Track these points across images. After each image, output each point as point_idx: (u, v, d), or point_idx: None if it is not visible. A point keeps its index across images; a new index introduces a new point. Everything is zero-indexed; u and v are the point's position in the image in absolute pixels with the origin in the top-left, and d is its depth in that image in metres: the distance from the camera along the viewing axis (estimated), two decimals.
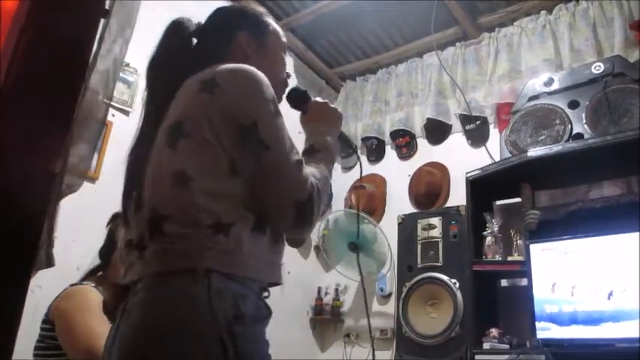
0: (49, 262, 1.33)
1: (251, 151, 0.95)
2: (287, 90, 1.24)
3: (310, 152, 1.10)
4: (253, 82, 1.00)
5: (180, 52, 1.12)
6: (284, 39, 1.25)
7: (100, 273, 1.63)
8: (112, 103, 1.57)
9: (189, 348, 0.84)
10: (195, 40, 1.17)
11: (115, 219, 1.62)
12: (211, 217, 0.91)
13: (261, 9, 1.28)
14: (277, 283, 1.01)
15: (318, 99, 1.22)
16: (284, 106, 1.18)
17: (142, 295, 0.90)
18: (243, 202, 0.95)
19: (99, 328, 1.43)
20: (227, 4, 1.24)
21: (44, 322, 1.53)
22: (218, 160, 0.95)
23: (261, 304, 0.97)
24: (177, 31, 1.14)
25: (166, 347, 0.84)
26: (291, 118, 1.21)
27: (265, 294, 1.00)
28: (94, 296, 1.52)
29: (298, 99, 1.24)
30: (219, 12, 1.22)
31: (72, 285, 1.57)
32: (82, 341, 1.41)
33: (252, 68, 1.01)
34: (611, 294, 2.12)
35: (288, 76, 1.25)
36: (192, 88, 1.00)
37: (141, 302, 0.90)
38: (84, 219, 2.05)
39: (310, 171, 1.00)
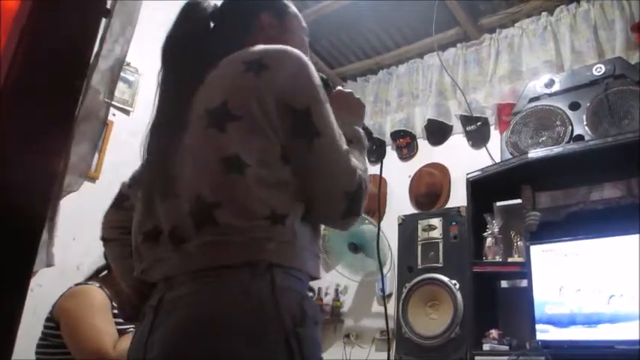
0: (50, 262, 1.33)
1: (303, 138, 0.89)
2: None
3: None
4: (303, 65, 0.94)
5: (199, 34, 1.06)
6: (304, 23, 1.21)
7: (104, 273, 1.64)
8: (112, 102, 1.57)
9: (253, 347, 0.78)
10: (212, 22, 1.11)
11: None
12: (267, 207, 0.85)
13: None
14: (317, 277, 0.95)
15: (341, 87, 1.17)
16: None
17: (192, 289, 0.83)
18: (294, 191, 0.90)
19: (105, 327, 1.43)
20: None
21: (48, 320, 1.53)
22: (271, 147, 0.89)
23: (317, 305, 0.94)
24: (194, 11, 1.08)
25: (226, 346, 0.78)
26: None
27: (311, 294, 0.97)
28: (98, 296, 1.52)
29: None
30: None
31: (77, 284, 1.57)
32: (91, 341, 1.41)
33: (298, 50, 0.96)
34: (611, 296, 2.12)
35: None
36: (234, 69, 0.93)
37: (192, 295, 0.82)
38: (84, 218, 2.05)
39: (355, 162, 0.94)
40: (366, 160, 1.04)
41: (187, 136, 0.93)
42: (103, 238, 1.15)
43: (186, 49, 1.04)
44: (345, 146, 0.93)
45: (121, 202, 1.15)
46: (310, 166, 0.90)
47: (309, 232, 0.93)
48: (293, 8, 1.18)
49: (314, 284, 3.55)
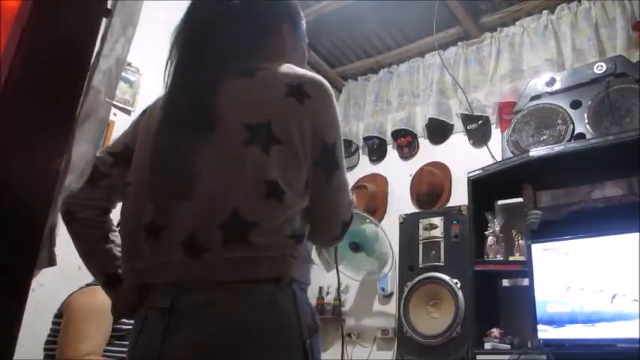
0: (51, 262, 1.33)
1: (325, 169, 0.97)
2: None
3: None
4: (334, 99, 1.01)
5: (219, 20, 1.02)
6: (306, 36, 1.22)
7: None
8: (113, 102, 1.57)
9: (279, 353, 0.85)
10: (232, 12, 1.05)
11: None
12: (292, 229, 0.91)
13: None
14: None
15: None
16: None
17: (220, 297, 0.85)
18: (307, 214, 0.97)
19: (92, 334, 1.43)
20: None
21: (56, 316, 1.54)
22: (301, 175, 0.95)
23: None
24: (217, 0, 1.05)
25: (255, 352, 0.84)
26: None
27: None
28: (106, 300, 1.52)
29: None
30: None
31: (88, 285, 1.57)
32: (69, 346, 1.41)
33: (327, 82, 1.02)
34: (612, 294, 2.12)
35: None
36: (275, 90, 0.95)
37: (223, 305, 0.85)
38: None
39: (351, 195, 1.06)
40: None
41: (217, 142, 0.91)
42: (71, 216, 1.05)
43: (205, 37, 1.01)
44: (347, 178, 1.03)
45: (97, 179, 1.05)
46: (324, 195, 0.98)
47: (309, 246, 1.01)
48: (304, 23, 1.20)
49: (315, 283, 3.55)
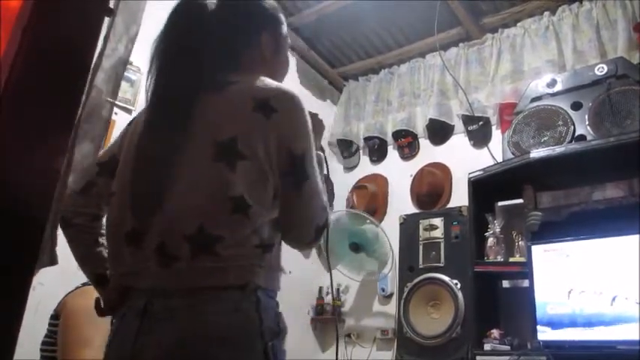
0: (53, 261, 1.33)
1: (296, 180, 0.99)
2: None
3: None
4: (303, 111, 1.02)
5: (196, 33, 1.05)
6: (289, 39, 1.24)
7: None
8: (115, 101, 1.57)
9: (241, 355, 0.90)
10: (211, 22, 1.07)
11: None
12: (259, 239, 0.96)
13: (274, 3, 1.21)
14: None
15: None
16: None
17: (188, 303, 0.91)
18: (277, 223, 1.01)
19: (93, 338, 1.43)
20: None
21: (52, 317, 1.53)
22: (268, 188, 0.98)
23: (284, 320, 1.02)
24: (192, 8, 1.06)
25: (218, 354, 0.88)
26: None
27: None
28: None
29: None
30: (242, 4, 1.14)
31: (83, 284, 1.57)
32: (71, 351, 1.41)
33: (297, 94, 1.03)
34: (612, 296, 2.12)
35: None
36: (243, 105, 0.97)
37: (190, 310, 0.90)
38: None
39: (326, 200, 1.06)
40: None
41: (189, 156, 0.96)
42: (67, 222, 1.13)
43: (183, 50, 1.04)
44: (321, 184, 1.03)
45: (89, 188, 1.14)
46: (295, 205, 1.00)
47: (279, 254, 1.05)
48: (285, 27, 1.21)
49: (315, 284, 3.55)
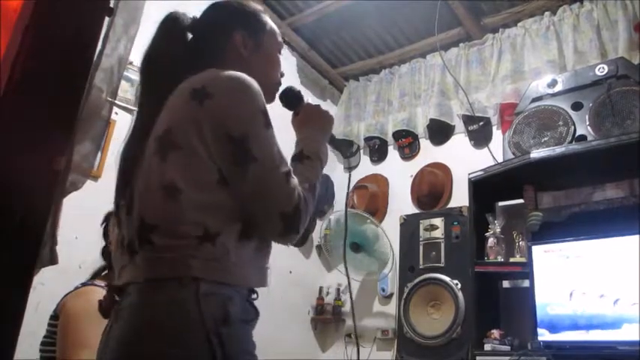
0: (53, 260, 1.33)
1: (239, 163, 0.95)
2: (280, 89, 1.23)
3: (299, 158, 1.09)
4: (244, 92, 0.99)
5: (174, 49, 1.10)
6: (280, 38, 1.23)
7: (105, 272, 1.64)
8: (115, 101, 1.57)
9: (175, 348, 0.86)
10: (190, 36, 1.15)
11: (108, 219, 1.62)
12: (198, 229, 0.92)
13: (257, 6, 1.24)
14: (263, 286, 1.03)
15: (310, 102, 1.23)
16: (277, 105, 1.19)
17: (131, 299, 0.93)
18: (230, 211, 0.96)
19: (92, 339, 1.43)
20: None
21: (52, 318, 1.53)
22: (207, 172, 0.96)
23: (248, 306, 0.98)
24: (171, 26, 1.12)
25: (154, 347, 0.87)
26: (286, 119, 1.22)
27: (254, 296, 1.02)
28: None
29: (291, 99, 1.23)
30: (214, 8, 1.19)
31: (83, 284, 1.57)
32: (70, 351, 1.41)
33: (245, 76, 1.00)
34: (612, 296, 2.12)
35: (282, 75, 1.23)
36: (182, 96, 0.99)
37: (129, 305, 0.93)
38: (86, 217, 2.06)
39: (298, 181, 1.01)
40: (320, 174, 1.11)
41: (144, 158, 1.00)
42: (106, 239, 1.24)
43: (162, 64, 1.09)
44: (283, 169, 0.98)
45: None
46: (246, 190, 0.96)
47: (251, 247, 0.99)
48: (269, 24, 1.21)
49: (316, 283, 3.55)
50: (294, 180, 1.00)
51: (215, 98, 0.96)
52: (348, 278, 1.48)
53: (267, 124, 1.00)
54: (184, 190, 0.93)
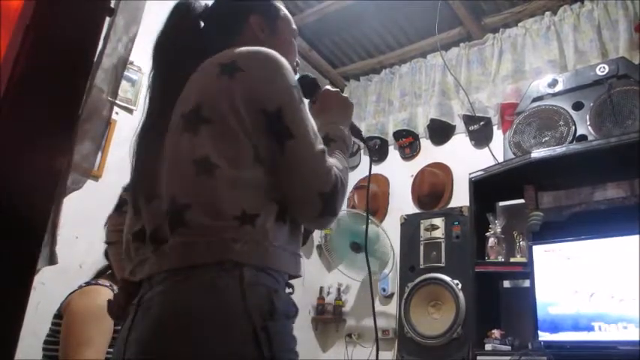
0: (52, 260, 1.33)
1: (275, 139, 0.91)
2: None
3: (326, 142, 1.01)
4: (277, 65, 0.95)
5: (188, 34, 1.07)
6: (294, 25, 1.21)
7: (109, 272, 1.63)
8: (116, 101, 1.57)
9: (221, 340, 0.80)
10: (202, 23, 1.12)
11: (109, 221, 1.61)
12: (236, 208, 0.86)
13: None
14: (298, 276, 0.96)
15: (329, 87, 1.18)
16: None
17: (164, 288, 0.85)
18: (267, 191, 0.91)
19: (96, 338, 1.43)
20: None
21: (56, 316, 1.53)
22: (242, 148, 0.90)
23: (290, 299, 0.93)
24: (184, 12, 1.08)
25: (196, 336, 0.79)
26: None
27: (289, 290, 0.96)
28: (105, 299, 1.52)
29: (308, 87, 1.17)
30: None
31: (87, 283, 1.57)
32: (74, 352, 1.41)
33: (274, 52, 0.97)
34: (613, 296, 2.12)
35: (297, 64, 1.19)
36: (210, 71, 0.95)
37: (163, 294, 0.84)
38: (87, 217, 2.06)
39: (333, 161, 0.96)
40: (347, 160, 1.05)
41: (167, 139, 0.95)
42: (107, 242, 1.22)
43: (175, 51, 1.05)
44: (320, 146, 0.93)
45: (120, 206, 1.22)
46: (283, 167, 0.91)
47: (286, 231, 0.93)
48: (283, 10, 1.19)
49: (316, 283, 3.55)
50: (330, 159, 0.95)
51: (246, 72, 0.92)
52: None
53: (301, 99, 0.96)
54: (220, 165, 0.87)
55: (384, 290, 3.29)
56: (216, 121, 0.90)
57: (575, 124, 2.48)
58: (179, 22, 1.08)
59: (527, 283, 2.51)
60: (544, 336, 2.22)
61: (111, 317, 1.11)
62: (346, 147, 1.08)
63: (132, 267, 0.96)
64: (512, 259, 2.60)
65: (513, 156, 2.60)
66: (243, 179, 0.89)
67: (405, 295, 2.92)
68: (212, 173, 0.87)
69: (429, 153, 3.51)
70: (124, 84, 2.52)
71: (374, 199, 3.52)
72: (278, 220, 0.91)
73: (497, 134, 3.18)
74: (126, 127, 2.45)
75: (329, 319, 3.47)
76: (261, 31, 1.11)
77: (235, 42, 1.03)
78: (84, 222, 2.09)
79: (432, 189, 3.33)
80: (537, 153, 2.42)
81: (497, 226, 2.63)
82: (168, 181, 0.91)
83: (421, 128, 3.55)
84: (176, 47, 1.05)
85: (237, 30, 1.10)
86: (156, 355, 0.81)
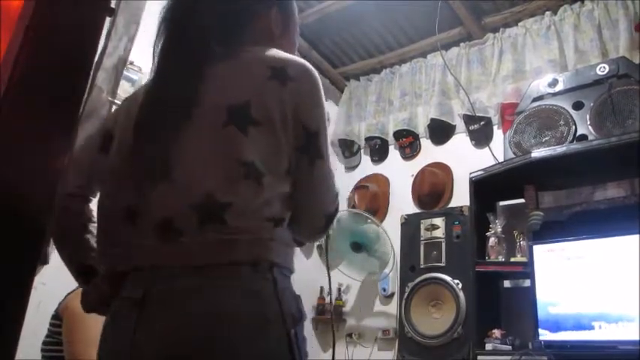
0: (44, 260, 1.33)
1: (308, 156, 0.94)
2: None
3: None
4: (320, 86, 0.98)
5: (207, 7, 1.01)
6: (298, 27, 1.21)
7: None
8: (115, 101, 1.57)
9: (259, 342, 0.82)
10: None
11: None
12: (271, 212, 0.89)
13: None
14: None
15: None
16: None
17: (195, 284, 0.82)
18: (289, 200, 0.94)
19: (97, 338, 1.43)
20: None
21: (54, 317, 1.53)
22: (283, 158, 0.92)
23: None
24: None
25: (236, 340, 0.80)
26: None
27: None
28: None
29: None
30: None
31: None
32: (79, 352, 1.41)
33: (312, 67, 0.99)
34: (613, 296, 2.12)
35: None
36: (259, 72, 0.93)
37: (197, 291, 0.82)
38: None
39: (337, 186, 1.03)
40: None
41: (197, 124, 0.90)
42: (58, 205, 0.99)
43: (190, 19, 1.00)
44: (333, 171, 1.00)
45: (84, 167, 1.05)
46: (307, 183, 0.96)
47: (290, 235, 0.98)
48: (296, 11, 1.19)
49: (316, 283, 3.55)
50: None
51: (297, 84, 0.93)
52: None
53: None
54: (265, 174, 0.88)
55: (384, 290, 3.29)
56: (264, 124, 0.90)
57: (575, 124, 2.48)
58: None
59: (527, 283, 2.51)
60: (545, 335, 2.22)
61: (85, 309, 1.03)
62: None
63: (120, 252, 0.90)
64: (512, 259, 2.60)
65: (513, 156, 2.60)
66: (278, 188, 0.91)
67: (406, 294, 2.92)
68: (259, 180, 0.87)
69: (429, 153, 3.51)
70: (124, 84, 2.52)
71: (374, 199, 3.52)
72: (287, 227, 0.96)
73: (498, 134, 3.17)
74: None
75: (329, 319, 3.47)
76: (277, 26, 1.10)
77: (253, 27, 1.04)
78: None
79: (432, 189, 3.33)
80: (538, 153, 2.42)
81: (497, 226, 2.63)
82: (202, 173, 0.87)
83: (421, 128, 3.54)
84: (192, 16, 0.99)
85: (257, 16, 1.07)
86: (196, 350, 0.80)
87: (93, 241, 1.03)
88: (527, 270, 2.43)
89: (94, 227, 1.04)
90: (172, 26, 1.01)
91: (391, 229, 3.21)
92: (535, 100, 2.70)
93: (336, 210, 1.02)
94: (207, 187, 0.85)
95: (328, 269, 1.46)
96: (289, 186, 0.94)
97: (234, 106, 0.89)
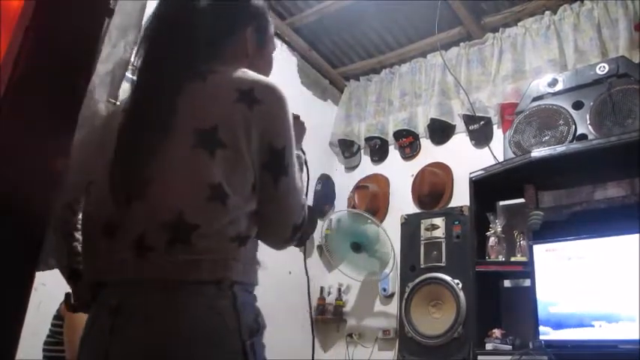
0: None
1: (273, 173, 0.98)
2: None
3: None
4: (286, 104, 1.01)
5: (184, 19, 1.05)
6: (274, 41, 1.25)
7: None
8: (116, 102, 1.57)
9: (217, 354, 0.89)
10: (198, 8, 1.07)
11: None
12: (236, 231, 0.94)
13: (262, 2, 1.22)
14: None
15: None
16: None
17: (160, 298, 0.89)
18: (255, 216, 0.99)
19: None
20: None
21: (55, 317, 1.54)
22: (247, 179, 0.97)
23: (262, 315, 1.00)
24: (180, 3, 1.07)
25: (194, 353, 0.87)
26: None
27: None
28: None
29: None
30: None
31: None
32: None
33: (279, 87, 1.02)
34: (613, 295, 2.12)
35: None
36: (226, 95, 0.97)
37: (161, 306, 0.89)
38: None
39: (304, 198, 1.07)
40: (301, 178, 1.11)
41: (170, 146, 0.94)
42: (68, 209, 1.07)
43: (168, 37, 1.03)
44: (300, 183, 1.04)
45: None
46: (272, 199, 1.00)
47: (256, 247, 1.03)
48: (272, 27, 1.21)
49: (317, 283, 3.55)
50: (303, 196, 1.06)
51: (264, 106, 0.97)
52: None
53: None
54: (230, 195, 0.93)
55: (384, 290, 3.29)
56: (231, 147, 0.94)
57: (575, 124, 2.48)
58: (178, 9, 1.06)
59: (527, 283, 2.51)
60: (545, 335, 2.22)
61: (68, 309, 1.09)
62: (300, 166, 1.14)
63: (99, 264, 0.96)
64: (512, 259, 2.60)
65: (513, 155, 2.60)
66: (244, 207, 0.96)
67: (406, 294, 2.92)
68: (224, 201, 0.92)
69: (429, 153, 3.51)
70: (124, 84, 2.52)
71: (374, 199, 3.52)
72: (254, 239, 1.01)
73: (498, 134, 3.17)
74: None
75: (329, 319, 3.47)
76: (251, 45, 1.13)
77: (225, 45, 1.07)
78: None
79: (432, 189, 3.33)
80: (537, 152, 2.42)
81: (497, 226, 2.63)
82: (174, 194, 0.92)
83: (421, 128, 3.55)
84: (172, 33, 1.03)
85: (231, 35, 1.11)
86: (160, 357, 0.87)
87: (79, 247, 1.08)
88: (527, 270, 2.43)
89: (79, 234, 1.09)
90: (151, 43, 1.05)
91: (391, 229, 3.21)
92: (535, 99, 2.70)
93: (304, 220, 1.05)
94: (177, 208, 0.90)
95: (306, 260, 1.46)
96: (255, 203, 0.99)
97: (202, 130, 0.94)
